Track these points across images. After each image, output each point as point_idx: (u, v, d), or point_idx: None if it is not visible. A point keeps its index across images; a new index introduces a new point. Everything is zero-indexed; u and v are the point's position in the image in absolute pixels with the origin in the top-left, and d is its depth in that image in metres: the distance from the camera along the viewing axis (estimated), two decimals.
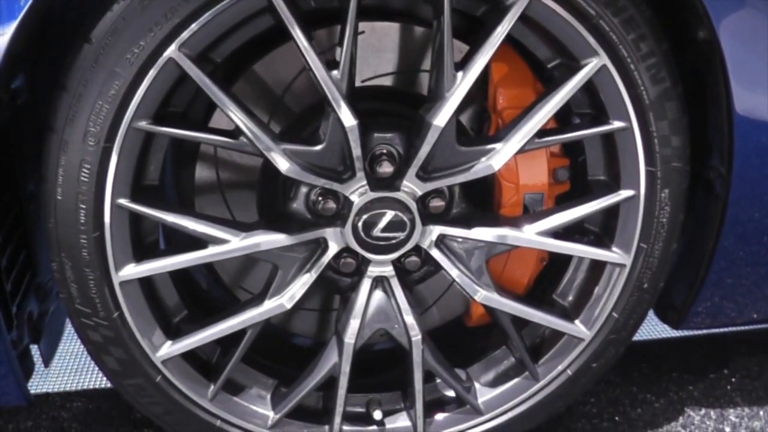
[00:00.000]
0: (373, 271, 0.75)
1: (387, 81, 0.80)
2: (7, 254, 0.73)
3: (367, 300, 0.76)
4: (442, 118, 0.68)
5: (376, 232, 0.72)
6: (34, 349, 0.82)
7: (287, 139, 0.68)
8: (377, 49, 0.78)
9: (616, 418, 0.97)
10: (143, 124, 0.63)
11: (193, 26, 0.61)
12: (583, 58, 0.69)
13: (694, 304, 0.84)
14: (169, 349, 0.72)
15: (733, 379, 1.06)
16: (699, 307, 0.84)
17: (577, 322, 0.80)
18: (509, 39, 0.68)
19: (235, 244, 0.69)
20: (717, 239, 0.79)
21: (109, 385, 0.79)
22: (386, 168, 0.71)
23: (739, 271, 0.82)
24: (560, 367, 0.82)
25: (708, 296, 0.83)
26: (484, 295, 0.76)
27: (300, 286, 0.73)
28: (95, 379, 1.02)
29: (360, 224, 0.72)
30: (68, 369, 1.05)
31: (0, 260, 0.71)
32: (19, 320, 0.76)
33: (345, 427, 0.80)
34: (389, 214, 0.72)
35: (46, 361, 0.85)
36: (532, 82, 0.76)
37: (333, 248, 0.73)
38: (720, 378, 1.06)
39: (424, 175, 0.71)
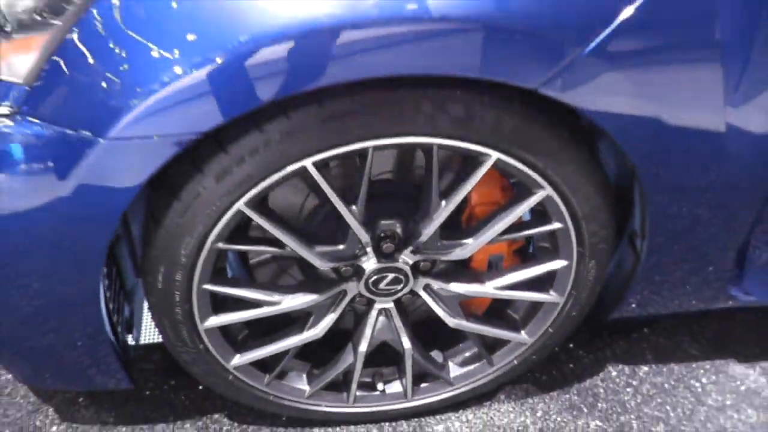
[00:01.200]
0: (378, 305, 1.07)
1: (388, 175, 1.06)
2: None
3: (374, 323, 1.09)
4: (428, 231, 0.96)
5: (382, 285, 1.03)
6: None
7: (318, 242, 0.97)
8: (382, 153, 1.03)
9: (553, 372, 1.33)
10: (220, 245, 0.92)
11: (258, 188, 0.87)
12: (534, 188, 0.94)
13: (617, 311, 1.17)
14: (237, 360, 1.06)
15: (650, 339, 1.41)
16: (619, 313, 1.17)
17: (522, 332, 1.13)
18: None
19: (285, 303, 1.01)
20: (634, 272, 1.10)
21: None
22: (389, 247, 0.99)
23: (653, 290, 1.13)
24: (509, 359, 1.17)
25: (628, 306, 1.16)
26: (456, 322, 1.08)
27: (327, 321, 1.05)
28: None
29: (370, 281, 1.02)
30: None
31: (111, 281, 1.02)
32: (120, 321, 1.10)
33: (358, 393, 1.17)
34: (390, 276, 1.02)
35: (136, 341, 1.20)
36: (500, 182, 1.02)
37: (350, 295, 1.04)
38: (640, 338, 1.41)
39: (415, 251, 1.00)
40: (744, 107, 0.87)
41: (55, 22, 0.78)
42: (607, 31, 0.78)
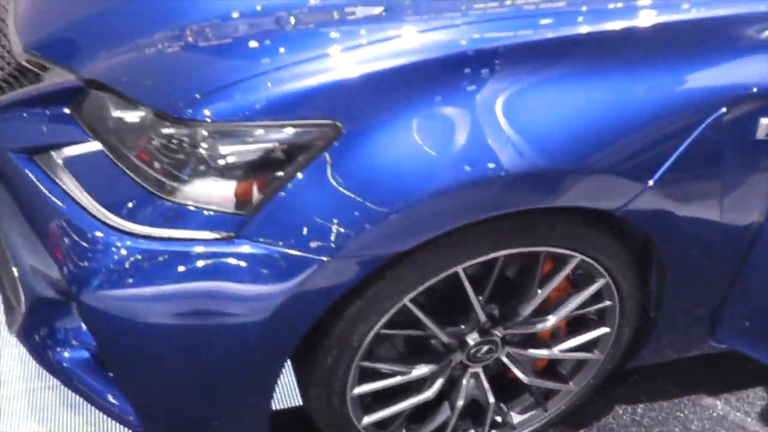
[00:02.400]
0: (471, 370, 1.38)
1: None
2: None
3: (467, 383, 1.39)
4: (525, 312, 1.29)
5: (479, 354, 1.34)
6: None
7: (448, 324, 1.28)
8: None
9: (576, 413, 1.68)
10: (382, 330, 1.21)
11: (421, 288, 1.17)
12: (597, 277, 1.30)
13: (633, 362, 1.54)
14: (366, 420, 1.33)
15: (641, 383, 1.79)
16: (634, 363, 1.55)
17: (570, 383, 1.48)
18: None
19: (414, 373, 1.30)
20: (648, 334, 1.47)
21: None
22: (489, 325, 1.31)
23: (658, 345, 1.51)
24: (559, 404, 1.51)
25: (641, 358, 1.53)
26: (530, 380, 1.41)
27: (438, 385, 1.34)
28: None
29: (472, 352, 1.33)
30: None
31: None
32: None
33: None
34: (486, 347, 1.34)
35: None
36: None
37: (455, 363, 1.35)
38: (634, 383, 1.79)
39: (508, 326, 1.33)
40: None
41: (283, 171, 1.05)
42: (664, 167, 1.16)
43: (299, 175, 1.04)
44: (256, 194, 1.05)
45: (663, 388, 1.79)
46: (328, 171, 1.04)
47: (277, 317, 1.09)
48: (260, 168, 1.05)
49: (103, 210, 1.10)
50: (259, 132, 1.03)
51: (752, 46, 1.18)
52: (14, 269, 1.28)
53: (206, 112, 1.03)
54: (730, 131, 1.18)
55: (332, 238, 1.04)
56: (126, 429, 1.38)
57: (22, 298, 1.29)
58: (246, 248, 1.05)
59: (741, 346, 1.53)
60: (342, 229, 1.04)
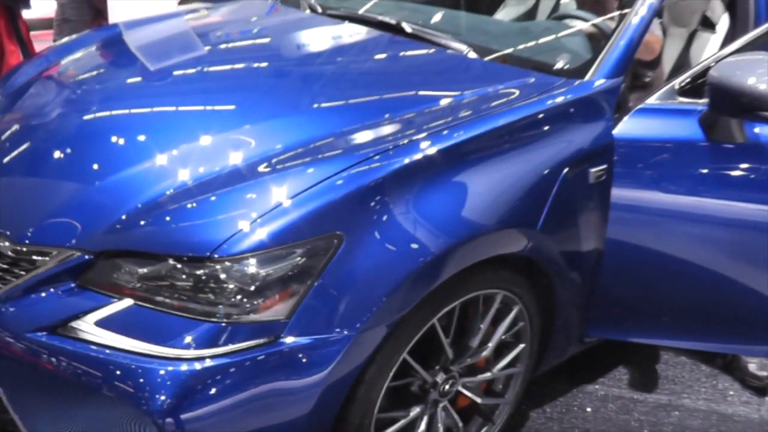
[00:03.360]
0: (441, 404, 1.74)
1: None
2: None
3: (441, 415, 1.75)
4: (476, 346, 1.70)
5: (446, 389, 1.72)
6: None
7: (427, 367, 1.64)
8: None
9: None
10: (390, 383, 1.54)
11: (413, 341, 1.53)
12: (513, 305, 1.76)
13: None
14: None
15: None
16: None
17: (506, 396, 1.90)
18: None
19: (411, 414, 1.63)
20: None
21: None
22: (449, 363, 1.70)
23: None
24: (501, 416, 1.92)
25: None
26: (483, 400, 1.81)
27: (425, 422, 1.69)
28: None
29: (441, 389, 1.70)
30: None
31: None
32: None
33: None
34: (450, 381, 1.72)
35: None
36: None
37: (431, 399, 1.70)
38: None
39: (462, 361, 1.73)
40: None
41: (308, 278, 1.37)
42: (543, 216, 1.66)
43: (319, 280, 1.37)
44: (289, 302, 1.36)
45: (553, 387, 2.29)
46: (340, 270, 1.38)
47: (323, 400, 1.38)
48: (290, 280, 1.36)
49: (158, 348, 1.32)
50: (288, 251, 1.35)
51: (571, 127, 1.76)
52: None
53: (241, 246, 1.33)
54: (573, 183, 1.73)
55: (355, 317, 1.38)
56: None
57: None
58: (290, 342, 1.35)
59: (606, 334, 2.07)
60: (359, 311, 1.38)
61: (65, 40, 2.59)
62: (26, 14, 3.53)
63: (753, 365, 2.41)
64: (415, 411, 1.66)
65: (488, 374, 1.82)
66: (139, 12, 3.07)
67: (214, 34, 2.48)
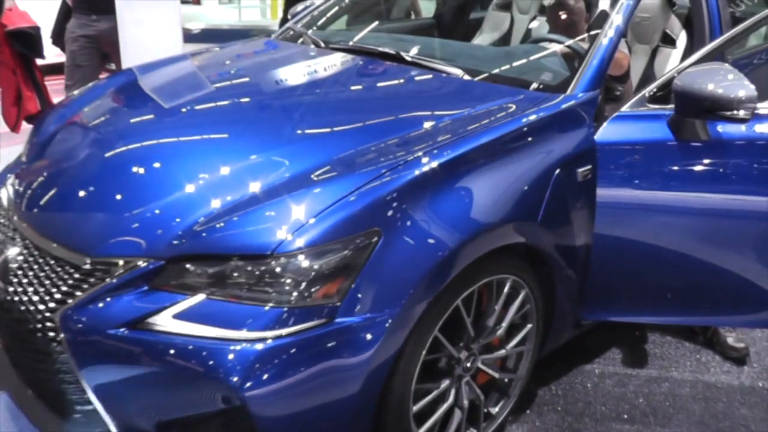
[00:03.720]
0: (464, 379, 2.00)
1: None
2: None
3: (466, 390, 2.00)
4: (491, 323, 1.97)
5: (468, 365, 1.97)
6: None
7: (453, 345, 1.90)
8: None
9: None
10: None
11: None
12: (520, 289, 2.03)
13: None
14: (419, 430, 1.88)
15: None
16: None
17: (518, 371, 2.16)
18: None
19: (441, 386, 1.89)
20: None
21: None
22: (470, 341, 1.96)
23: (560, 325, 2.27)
24: (515, 389, 2.18)
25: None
26: (500, 375, 2.07)
27: (453, 394, 1.94)
28: None
29: (465, 365, 1.96)
30: None
31: None
32: None
33: None
34: (471, 359, 1.98)
35: None
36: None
37: (456, 374, 1.96)
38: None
39: (480, 341, 1.99)
40: None
41: (355, 268, 1.63)
42: (542, 211, 1.94)
43: (364, 269, 1.63)
44: (341, 288, 1.62)
45: (556, 369, 2.55)
46: (382, 259, 1.65)
47: (372, 374, 1.63)
48: (340, 270, 1.62)
49: (231, 332, 1.57)
50: (336, 247, 1.61)
51: (559, 134, 2.05)
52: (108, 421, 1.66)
53: (302, 241, 1.59)
54: (564, 182, 2.02)
55: (395, 299, 1.64)
56: None
57: None
58: (343, 322, 1.60)
59: (599, 316, 2.35)
60: (398, 294, 1.65)
61: (91, 85, 2.84)
62: (39, 61, 3.77)
63: (731, 338, 2.71)
64: (445, 384, 1.91)
65: (503, 351, 2.07)
66: (149, 54, 3.34)
67: (233, 71, 2.76)
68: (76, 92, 2.80)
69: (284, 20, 8.65)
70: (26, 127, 3.74)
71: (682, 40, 3.17)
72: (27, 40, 3.51)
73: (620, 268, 2.25)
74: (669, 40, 3.21)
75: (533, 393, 2.41)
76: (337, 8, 3.28)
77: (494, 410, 2.15)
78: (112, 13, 3.79)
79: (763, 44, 3.41)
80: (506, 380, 2.16)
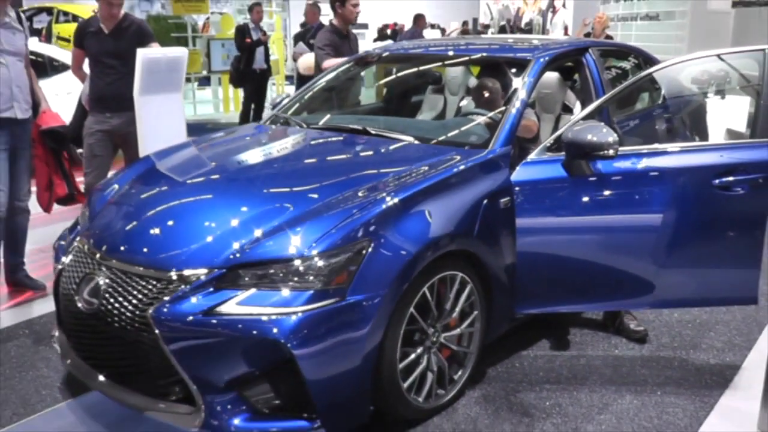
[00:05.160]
0: (433, 349, 2.80)
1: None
2: None
3: (435, 358, 2.80)
4: (448, 307, 2.81)
5: (434, 339, 2.79)
6: None
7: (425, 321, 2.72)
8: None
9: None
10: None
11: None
12: (467, 284, 2.88)
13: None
14: (404, 385, 2.67)
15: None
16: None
17: (470, 348, 2.98)
18: None
19: (418, 351, 2.69)
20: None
21: None
22: (434, 321, 2.78)
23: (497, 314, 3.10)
24: (469, 362, 2.99)
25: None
26: (457, 348, 2.89)
27: (425, 360, 2.74)
28: None
29: (432, 339, 2.77)
30: None
31: None
32: None
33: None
34: (435, 334, 2.79)
35: None
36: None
37: (426, 345, 2.77)
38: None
39: (441, 320, 2.81)
40: None
41: (356, 264, 2.46)
42: (476, 227, 2.82)
43: (362, 265, 2.46)
44: (348, 277, 2.44)
45: (498, 355, 3.37)
46: (373, 258, 2.49)
47: (371, 340, 2.44)
48: (348, 264, 2.45)
49: (277, 309, 2.37)
50: (343, 251, 2.45)
51: (486, 175, 2.97)
52: (190, 383, 2.40)
53: (318, 249, 2.43)
54: (491, 208, 2.92)
55: (383, 283, 2.47)
56: None
57: (199, 401, 2.41)
58: (351, 299, 2.42)
59: (528, 309, 3.20)
60: (384, 281, 2.48)
61: (128, 166, 3.66)
62: None
63: (632, 324, 3.59)
64: (419, 350, 2.72)
65: (458, 330, 2.90)
66: (163, 139, 4.19)
67: (242, 148, 3.63)
68: (118, 171, 3.61)
69: (245, 113, 9.63)
70: (56, 208, 4.50)
71: (577, 108, 4.18)
72: (57, 137, 4.29)
73: (539, 272, 3.12)
74: (568, 109, 4.23)
75: (483, 372, 3.21)
76: (309, 97, 4.22)
77: (455, 376, 2.95)
78: (123, 111, 4.64)
79: (641, 109, 4.48)
80: (462, 354, 2.97)
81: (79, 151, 4.99)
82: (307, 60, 6.82)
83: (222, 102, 12.96)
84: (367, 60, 4.46)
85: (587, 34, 8.82)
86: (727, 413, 2.94)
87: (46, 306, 3.85)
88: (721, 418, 2.90)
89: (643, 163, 3.10)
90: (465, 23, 20.45)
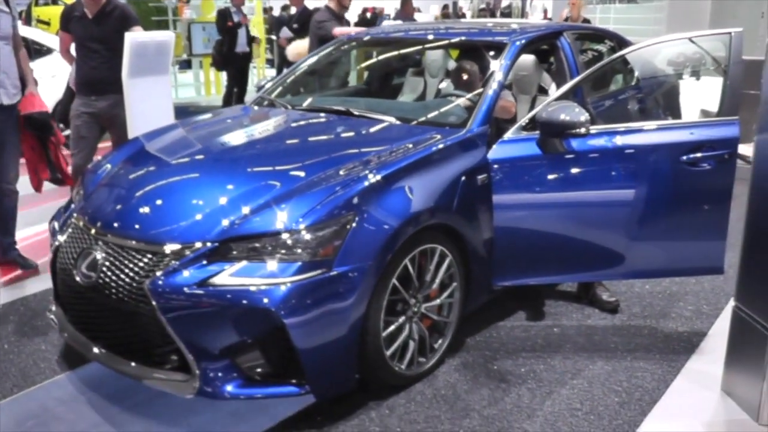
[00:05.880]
0: (414, 319, 2.95)
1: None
2: None
3: (416, 327, 2.96)
4: (429, 278, 2.96)
5: (415, 310, 2.94)
6: None
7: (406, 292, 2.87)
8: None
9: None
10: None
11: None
12: (446, 257, 3.03)
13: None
14: (387, 352, 2.82)
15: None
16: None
17: (450, 318, 3.13)
18: None
19: (399, 321, 2.84)
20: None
21: None
22: (416, 292, 2.94)
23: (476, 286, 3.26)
24: (449, 332, 3.14)
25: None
26: (437, 317, 3.04)
27: (407, 329, 2.90)
28: None
29: (414, 309, 2.92)
30: None
31: None
32: None
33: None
34: (416, 305, 2.95)
35: None
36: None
37: (408, 315, 2.92)
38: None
39: (422, 292, 2.96)
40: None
41: (341, 239, 2.60)
42: (455, 202, 2.97)
43: (347, 237, 2.60)
44: (334, 250, 2.58)
45: (474, 326, 3.53)
46: (357, 232, 2.63)
47: (357, 310, 2.59)
48: (334, 238, 2.58)
49: (268, 280, 2.50)
50: (330, 224, 2.59)
51: (464, 153, 3.11)
52: (186, 352, 2.55)
53: (305, 223, 2.56)
54: (469, 184, 3.06)
55: (367, 255, 2.61)
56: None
57: (194, 369, 2.55)
58: (337, 270, 2.56)
59: (504, 281, 3.35)
60: (368, 253, 2.62)
61: (122, 145, 3.76)
62: None
63: (605, 296, 3.77)
64: (402, 319, 2.87)
65: (438, 301, 3.05)
66: (151, 120, 4.29)
67: (234, 127, 3.74)
68: (109, 152, 3.71)
69: (228, 96, 9.69)
70: (47, 186, 4.58)
71: (552, 89, 4.33)
72: (37, 124, 4.27)
73: (515, 246, 3.27)
74: (543, 91, 4.38)
75: (462, 341, 3.38)
76: (292, 80, 4.33)
77: (436, 345, 3.10)
78: (108, 93, 4.72)
79: (615, 90, 4.64)
80: (442, 323, 3.13)
81: (66, 133, 5.03)
82: (297, 47, 6.93)
83: (203, 85, 12.98)
84: (354, 42, 4.58)
85: (566, 19, 8.97)
86: (693, 376, 3.12)
87: (40, 284, 3.96)
88: (687, 381, 3.08)
89: (615, 141, 3.25)
90: (445, 7, 20.53)
